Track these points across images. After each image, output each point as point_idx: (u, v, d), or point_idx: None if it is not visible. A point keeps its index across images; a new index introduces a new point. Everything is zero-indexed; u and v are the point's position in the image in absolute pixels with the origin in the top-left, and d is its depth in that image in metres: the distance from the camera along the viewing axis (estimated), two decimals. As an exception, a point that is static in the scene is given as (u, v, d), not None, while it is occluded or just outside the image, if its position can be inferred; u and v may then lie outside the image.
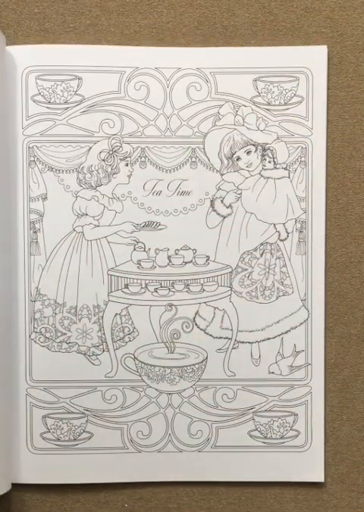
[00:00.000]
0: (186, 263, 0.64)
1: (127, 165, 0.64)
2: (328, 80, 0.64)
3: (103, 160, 0.63)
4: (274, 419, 0.65)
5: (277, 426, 0.65)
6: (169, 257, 0.64)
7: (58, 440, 0.64)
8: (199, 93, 0.64)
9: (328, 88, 0.64)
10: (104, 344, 0.64)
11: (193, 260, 0.64)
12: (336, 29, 0.64)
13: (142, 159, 0.64)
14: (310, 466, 0.65)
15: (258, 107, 0.64)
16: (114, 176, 0.64)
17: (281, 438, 0.65)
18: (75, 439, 0.64)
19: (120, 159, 0.64)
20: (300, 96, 0.64)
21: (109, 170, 0.64)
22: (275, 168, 0.64)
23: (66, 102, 0.63)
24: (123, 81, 0.63)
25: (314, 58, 0.64)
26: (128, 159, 0.64)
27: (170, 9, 0.64)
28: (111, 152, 0.63)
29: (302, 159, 0.64)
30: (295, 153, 0.64)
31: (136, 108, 0.63)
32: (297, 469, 0.65)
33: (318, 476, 0.65)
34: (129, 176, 0.64)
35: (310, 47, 0.64)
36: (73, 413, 0.64)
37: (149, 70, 0.63)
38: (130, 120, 0.63)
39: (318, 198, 0.64)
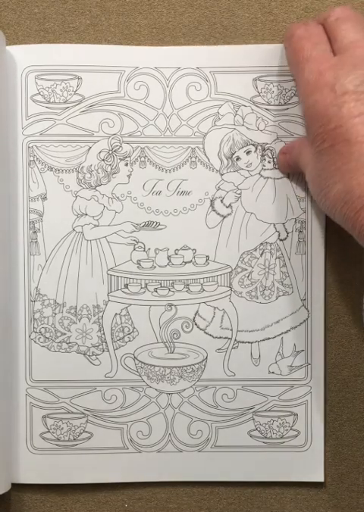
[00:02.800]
0: (186, 263, 0.64)
1: (126, 165, 0.64)
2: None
3: (103, 159, 0.63)
4: (273, 419, 0.65)
5: (277, 426, 0.65)
6: (169, 257, 0.64)
7: (58, 440, 0.64)
8: (198, 93, 0.63)
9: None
10: (104, 344, 0.64)
11: (193, 260, 0.64)
12: (336, 29, 0.64)
13: (142, 159, 0.64)
14: (310, 466, 0.65)
15: (258, 107, 0.64)
16: (114, 175, 0.64)
17: (281, 438, 0.65)
18: (75, 439, 0.64)
19: (120, 159, 0.64)
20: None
21: (109, 169, 0.64)
22: (275, 168, 0.64)
23: (65, 102, 0.63)
24: (123, 81, 0.63)
25: None
26: (128, 159, 0.64)
27: (170, 9, 0.64)
28: (110, 152, 0.63)
29: None
30: None
31: (135, 108, 0.63)
32: (297, 469, 0.65)
33: (318, 476, 0.65)
34: (128, 176, 0.64)
35: None
36: (73, 413, 0.64)
37: (148, 70, 0.63)
38: (130, 119, 0.63)
39: None
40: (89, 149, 0.63)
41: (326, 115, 0.53)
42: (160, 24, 0.64)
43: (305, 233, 0.64)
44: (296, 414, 0.65)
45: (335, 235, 0.64)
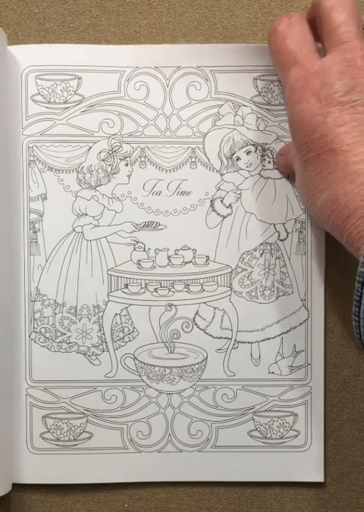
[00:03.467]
0: (186, 263, 0.64)
1: (126, 165, 0.64)
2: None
3: (103, 160, 0.63)
4: (273, 419, 0.65)
5: (277, 426, 0.65)
6: (169, 257, 0.64)
7: (58, 440, 0.64)
8: (198, 92, 0.63)
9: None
10: (104, 344, 0.64)
11: (193, 261, 0.64)
12: (336, 29, 0.64)
13: (142, 159, 0.64)
14: (310, 467, 0.65)
15: (259, 106, 0.64)
16: (114, 176, 0.64)
17: (281, 438, 0.65)
18: (75, 439, 0.64)
19: (120, 159, 0.63)
20: None
21: (109, 169, 0.64)
22: (275, 168, 0.64)
23: (66, 102, 0.63)
24: (123, 81, 0.63)
25: None
26: (128, 159, 0.64)
27: (170, 9, 0.64)
28: (110, 152, 0.63)
29: None
30: None
31: (135, 108, 0.63)
32: (297, 469, 0.65)
33: (318, 476, 0.65)
34: (129, 176, 0.64)
35: None
36: (73, 413, 0.64)
37: (148, 70, 0.63)
38: (130, 119, 0.63)
39: None
40: (89, 149, 0.63)
41: (311, 124, 0.53)
42: (160, 24, 0.64)
43: (305, 233, 0.64)
44: (296, 414, 0.65)
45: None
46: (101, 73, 0.63)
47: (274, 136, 0.64)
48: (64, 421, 0.64)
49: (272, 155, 0.64)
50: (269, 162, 0.64)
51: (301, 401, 0.65)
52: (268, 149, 0.64)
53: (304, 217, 0.64)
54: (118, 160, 0.63)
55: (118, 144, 0.63)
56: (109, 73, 0.63)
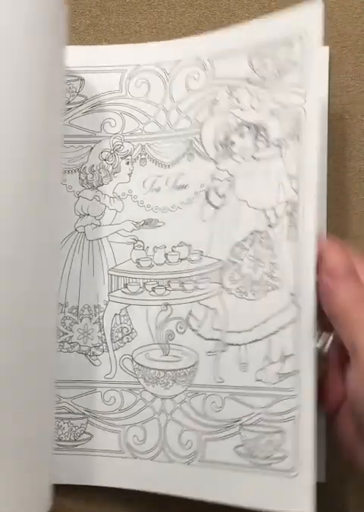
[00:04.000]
0: (181, 260, 0.62)
1: (127, 163, 0.64)
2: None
3: (105, 159, 0.64)
4: (260, 435, 0.56)
5: (264, 444, 0.56)
6: (166, 255, 0.63)
7: (60, 440, 0.64)
8: (196, 82, 0.62)
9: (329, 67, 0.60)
10: (104, 344, 0.64)
11: (188, 257, 0.62)
12: (336, 29, 0.63)
13: (143, 156, 0.63)
14: (298, 496, 0.54)
15: (253, 84, 0.60)
16: (115, 175, 0.64)
17: (267, 458, 0.56)
18: (75, 440, 0.64)
19: (121, 158, 0.64)
20: (294, 61, 0.58)
21: (110, 169, 0.64)
22: (267, 147, 0.59)
23: (68, 103, 0.64)
24: (125, 79, 0.63)
25: (307, 15, 0.57)
26: (129, 157, 0.64)
27: (170, 9, 0.64)
28: (112, 151, 0.64)
29: (296, 132, 0.57)
30: (288, 126, 0.58)
31: (137, 106, 0.63)
32: (283, 496, 0.54)
33: (306, 507, 0.53)
34: (129, 175, 0.64)
35: (302, 5, 0.58)
36: (74, 413, 0.64)
37: (149, 67, 0.63)
38: (131, 118, 0.64)
39: (309, 175, 0.56)
40: (91, 150, 0.64)
41: None
42: (160, 24, 0.64)
43: (296, 217, 0.57)
44: (283, 432, 0.56)
45: (332, 218, 0.62)
46: (103, 73, 0.64)
47: (268, 113, 0.59)
48: (65, 421, 0.64)
49: (266, 134, 0.59)
50: (262, 141, 0.59)
51: (288, 415, 0.56)
52: (262, 128, 0.59)
53: (296, 199, 0.57)
54: (119, 159, 0.64)
55: (120, 143, 0.64)
56: (111, 72, 0.64)
